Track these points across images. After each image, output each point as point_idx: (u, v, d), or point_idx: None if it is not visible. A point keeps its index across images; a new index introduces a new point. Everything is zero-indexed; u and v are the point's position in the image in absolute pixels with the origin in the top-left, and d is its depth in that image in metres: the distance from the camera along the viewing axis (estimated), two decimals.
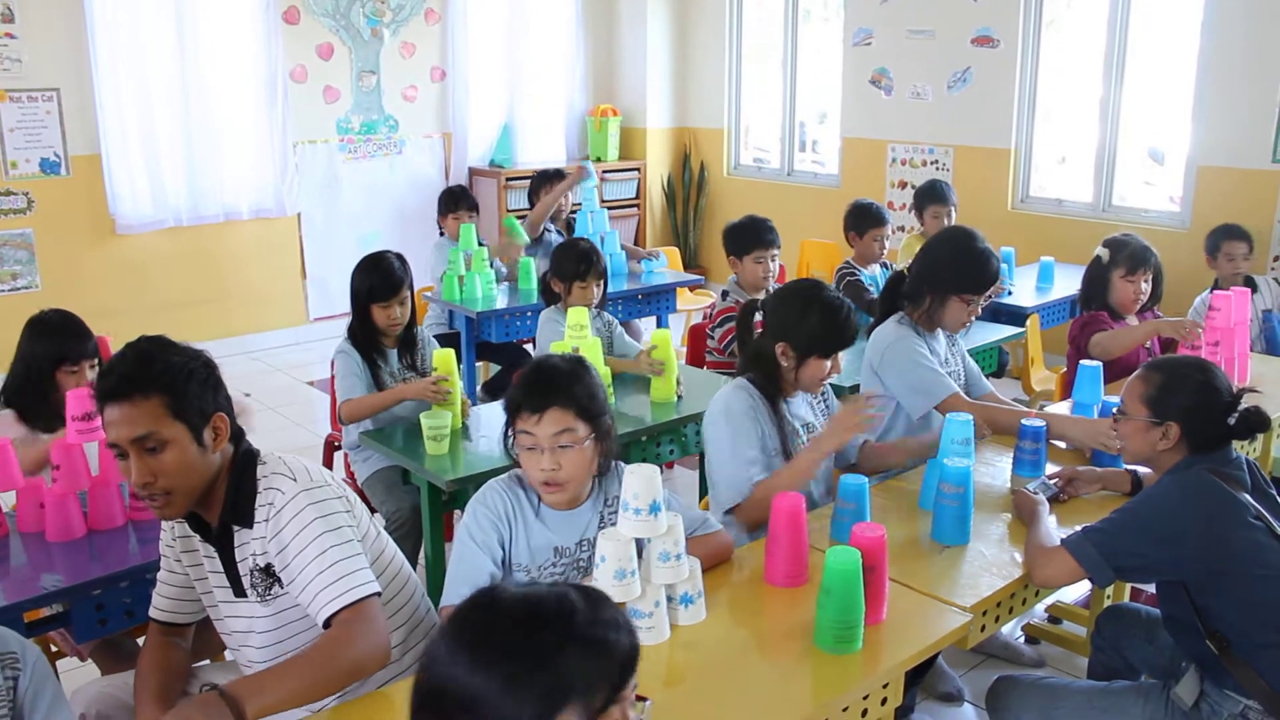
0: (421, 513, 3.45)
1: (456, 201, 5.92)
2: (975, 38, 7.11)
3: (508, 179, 8.23)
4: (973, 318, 3.48)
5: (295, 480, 2.16)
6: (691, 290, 7.13)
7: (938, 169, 7.38)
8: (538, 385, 2.32)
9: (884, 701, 2.19)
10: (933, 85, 7.42)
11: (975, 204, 6.75)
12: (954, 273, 3.42)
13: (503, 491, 2.41)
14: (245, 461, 2.20)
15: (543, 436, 2.29)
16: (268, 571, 2.17)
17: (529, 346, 5.54)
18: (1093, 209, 6.83)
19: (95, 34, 6.60)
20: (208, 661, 2.65)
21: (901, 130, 7.69)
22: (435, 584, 3.37)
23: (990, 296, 3.51)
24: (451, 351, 3.66)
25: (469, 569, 2.31)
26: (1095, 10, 6.71)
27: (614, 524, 2.42)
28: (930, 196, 5.85)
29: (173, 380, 2.04)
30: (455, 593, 2.31)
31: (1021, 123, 7.08)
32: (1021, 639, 3.76)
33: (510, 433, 2.37)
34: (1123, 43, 6.59)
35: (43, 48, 6.49)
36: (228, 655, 2.45)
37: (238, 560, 2.20)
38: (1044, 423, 3.10)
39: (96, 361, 3.15)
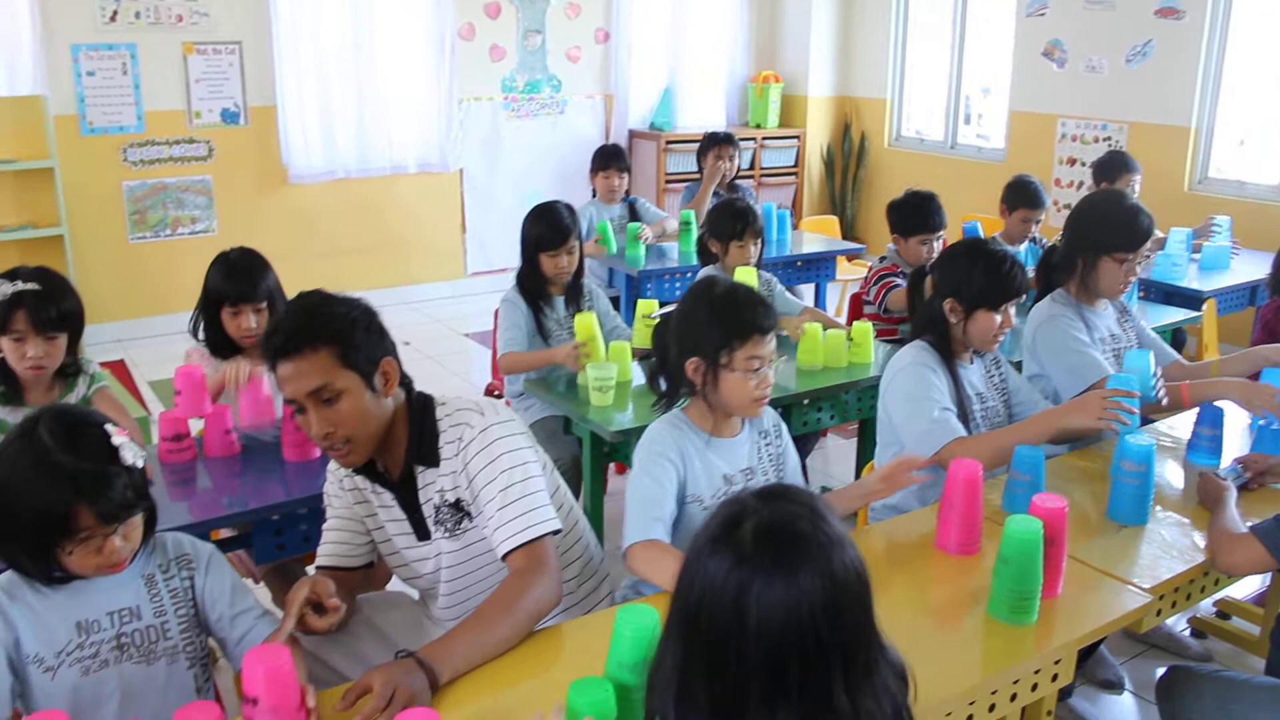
0: (582, 463, 3.50)
1: (608, 160, 5.87)
2: (1159, 9, 6.80)
3: (667, 142, 8.24)
4: (1130, 278, 3.31)
5: (483, 415, 2.21)
6: (849, 260, 7.04)
7: (1110, 146, 7.10)
8: (758, 307, 2.37)
9: (1054, 678, 2.14)
10: (1109, 58, 7.14)
11: (1149, 184, 6.43)
12: (1103, 232, 3.27)
13: (672, 430, 2.43)
14: (423, 404, 2.25)
15: (769, 354, 2.37)
16: (457, 506, 2.22)
17: None
18: (1279, 193, 6.50)
19: None
20: (372, 594, 2.71)
21: (1073, 105, 7.42)
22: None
23: (1148, 255, 3.33)
24: (593, 315, 3.68)
25: (652, 507, 2.33)
26: None
27: (770, 454, 2.54)
28: (1123, 166, 5.59)
29: (339, 330, 2.07)
30: (639, 530, 2.31)
31: (1205, 99, 6.76)
32: (1188, 631, 3.62)
33: (713, 366, 2.37)
34: None
35: (227, 2, 6.75)
36: (414, 594, 2.51)
37: (421, 502, 2.25)
38: (1223, 408, 2.96)
39: (265, 306, 3.18)
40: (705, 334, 2.37)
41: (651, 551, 2.27)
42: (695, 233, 5.36)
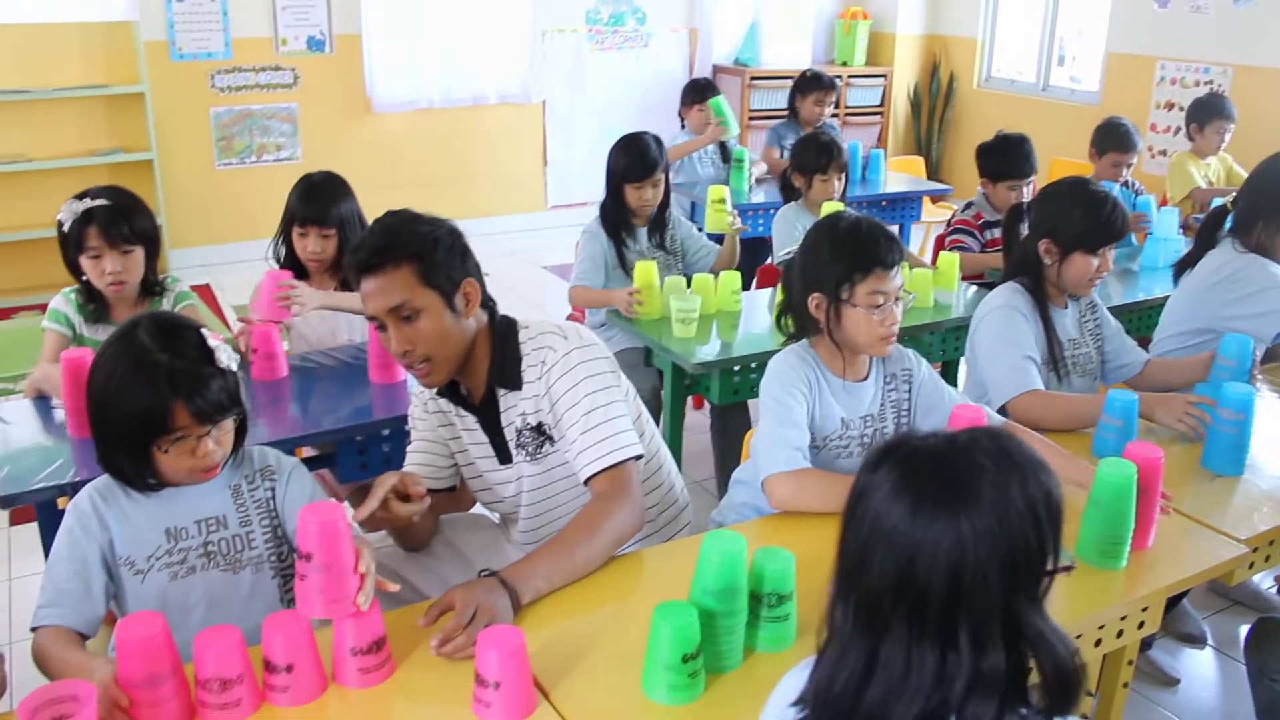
0: (662, 396, 3.48)
1: (707, 91, 5.80)
2: None
3: (752, 78, 8.12)
4: None
5: (566, 339, 2.20)
6: (934, 201, 6.92)
7: (1212, 89, 6.84)
8: (881, 240, 2.31)
9: (1140, 625, 2.10)
10: None
11: (1253, 131, 6.22)
12: None
13: (800, 362, 2.38)
14: (506, 327, 2.24)
15: (894, 290, 2.31)
16: (539, 430, 2.22)
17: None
18: None
19: None
20: (453, 515, 2.73)
21: (1175, 47, 7.16)
22: None
23: None
24: (653, 264, 3.61)
25: (790, 433, 2.28)
26: None
27: (894, 402, 2.46)
28: (1215, 110, 5.40)
29: (420, 249, 2.07)
30: (781, 459, 2.26)
31: None
32: (1274, 589, 3.54)
33: (835, 302, 2.32)
34: None
35: None
36: (495, 518, 2.52)
37: (503, 425, 2.25)
38: None
39: (333, 232, 3.18)
40: (827, 269, 2.32)
41: (802, 479, 2.24)
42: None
